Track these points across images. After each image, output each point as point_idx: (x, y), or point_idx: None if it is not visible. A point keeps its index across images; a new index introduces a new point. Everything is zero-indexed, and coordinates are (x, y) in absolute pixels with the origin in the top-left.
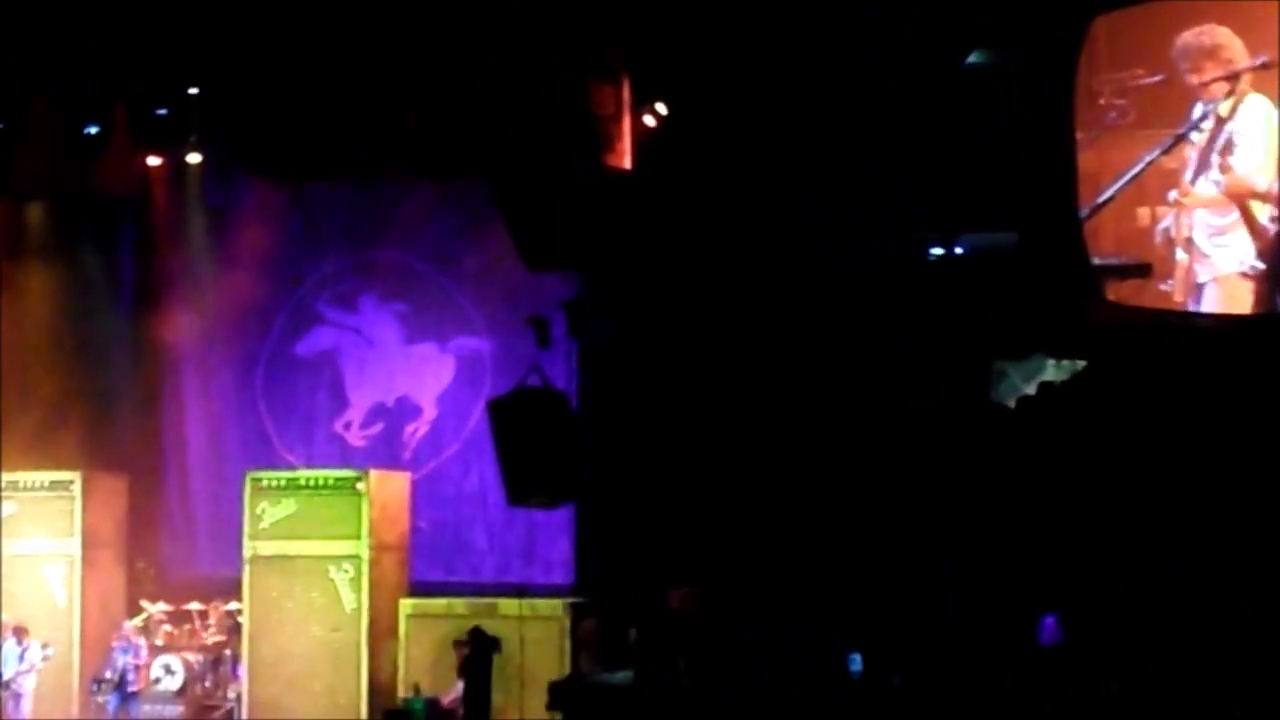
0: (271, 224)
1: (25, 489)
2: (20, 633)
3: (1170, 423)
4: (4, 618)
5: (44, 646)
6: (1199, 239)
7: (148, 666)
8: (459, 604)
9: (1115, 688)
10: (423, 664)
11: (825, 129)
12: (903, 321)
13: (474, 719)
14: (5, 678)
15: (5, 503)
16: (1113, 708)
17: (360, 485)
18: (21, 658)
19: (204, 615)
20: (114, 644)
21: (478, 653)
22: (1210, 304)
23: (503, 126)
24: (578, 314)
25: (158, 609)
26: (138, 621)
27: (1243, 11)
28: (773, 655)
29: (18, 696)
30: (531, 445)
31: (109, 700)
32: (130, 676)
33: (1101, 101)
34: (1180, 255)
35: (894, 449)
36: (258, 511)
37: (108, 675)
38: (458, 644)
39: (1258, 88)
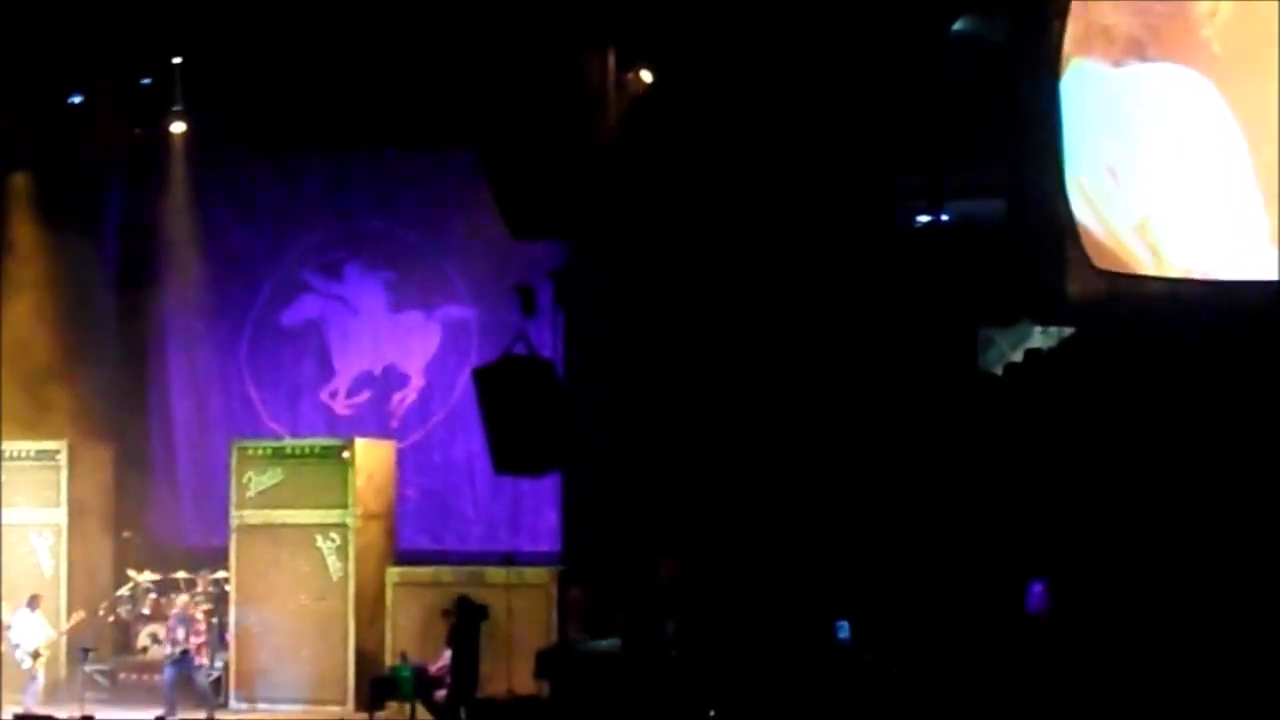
0: (257, 194)
1: (11, 459)
2: (34, 601)
3: (1158, 390)
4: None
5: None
6: None
7: (206, 642)
8: (446, 572)
9: (1103, 659)
10: (410, 632)
11: (810, 97)
12: (890, 289)
13: (461, 687)
14: (32, 648)
15: None
16: (1101, 679)
17: (346, 454)
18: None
19: (191, 584)
20: (170, 616)
21: (464, 621)
22: None
23: (489, 95)
24: (564, 282)
25: (144, 578)
26: (184, 597)
27: None
28: (759, 623)
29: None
30: (517, 414)
31: (165, 673)
32: (191, 652)
33: None
34: None
35: (881, 416)
36: (244, 480)
37: (170, 649)
38: (445, 613)
39: None
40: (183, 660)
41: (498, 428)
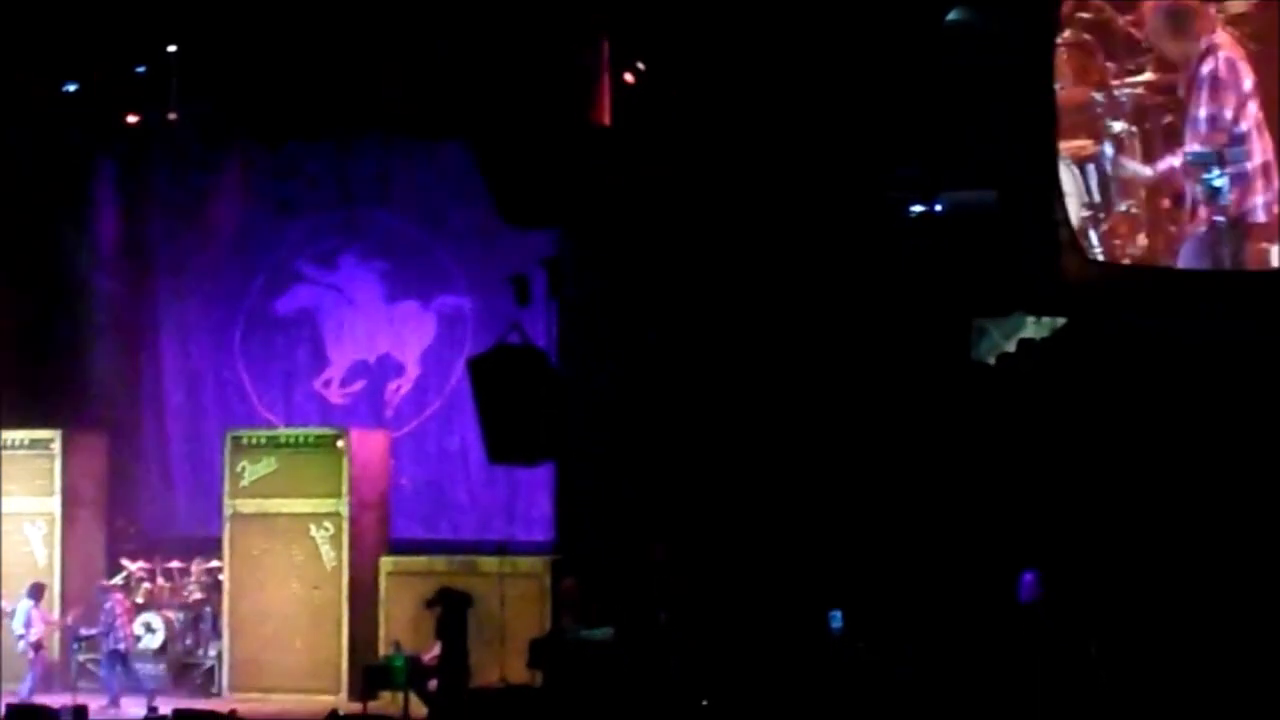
0: (251, 182)
1: (5, 447)
2: (38, 592)
3: (1150, 380)
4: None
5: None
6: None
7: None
8: (439, 561)
9: (1094, 648)
10: (403, 622)
11: (803, 87)
12: (883, 279)
13: (451, 677)
14: (33, 639)
15: None
16: (1092, 668)
17: (340, 443)
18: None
19: (184, 573)
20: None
21: (450, 611)
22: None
23: (483, 84)
24: (558, 271)
25: (138, 567)
26: (119, 594)
27: None
28: (753, 613)
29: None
30: (512, 403)
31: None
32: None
33: None
34: None
35: (874, 406)
36: (238, 469)
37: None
38: (429, 605)
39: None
40: (116, 653)
41: (492, 417)
